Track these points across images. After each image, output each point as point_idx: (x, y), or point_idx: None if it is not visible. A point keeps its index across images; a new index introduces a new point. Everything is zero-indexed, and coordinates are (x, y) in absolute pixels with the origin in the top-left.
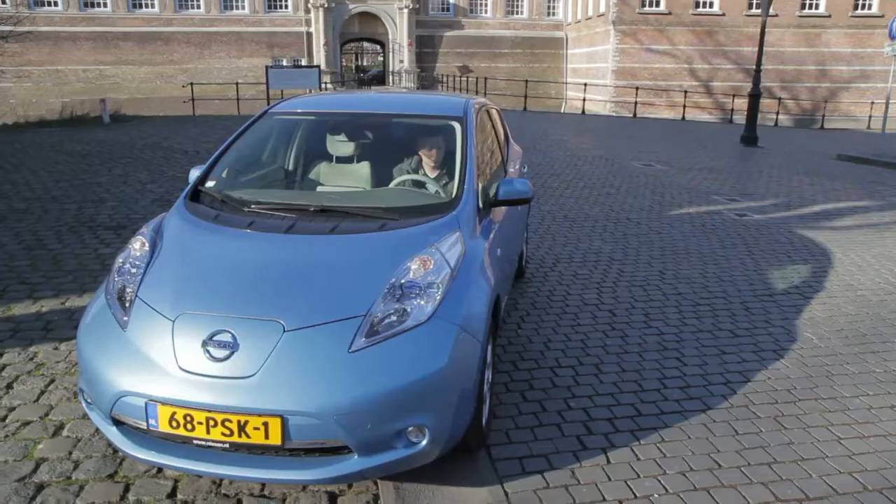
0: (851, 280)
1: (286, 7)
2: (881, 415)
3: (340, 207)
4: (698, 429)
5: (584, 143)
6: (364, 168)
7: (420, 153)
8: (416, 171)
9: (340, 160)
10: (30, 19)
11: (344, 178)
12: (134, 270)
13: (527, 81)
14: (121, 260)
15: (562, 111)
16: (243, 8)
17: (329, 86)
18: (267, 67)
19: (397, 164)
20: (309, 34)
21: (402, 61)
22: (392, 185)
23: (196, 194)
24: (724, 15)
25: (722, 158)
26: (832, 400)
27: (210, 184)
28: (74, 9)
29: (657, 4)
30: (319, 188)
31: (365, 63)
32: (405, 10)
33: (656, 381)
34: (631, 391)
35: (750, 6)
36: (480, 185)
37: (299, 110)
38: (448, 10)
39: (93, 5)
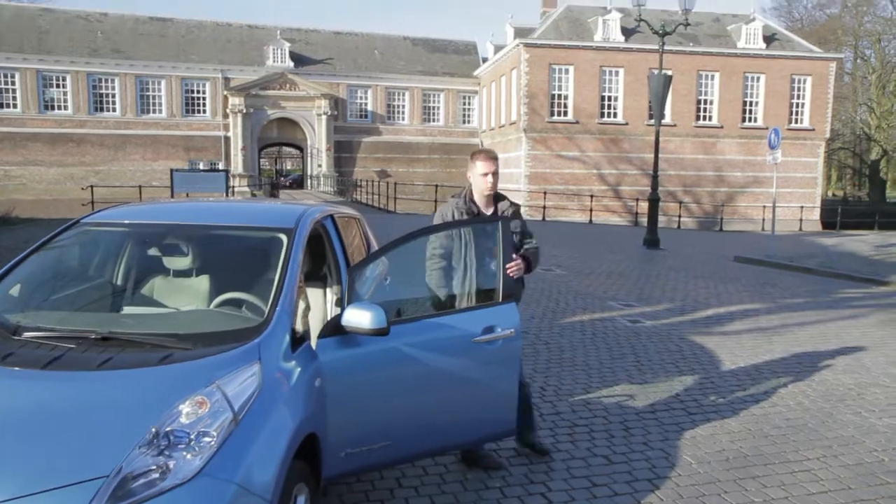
0: (738, 391)
1: (204, 112)
2: None
3: (127, 335)
4: None
5: None
6: (203, 283)
7: (244, 268)
8: (242, 288)
9: (178, 273)
10: None
11: (179, 294)
12: None
13: (437, 186)
14: None
15: None
16: (160, 112)
17: (245, 189)
18: (172, 171)
19: (228, 280)
20: (227, 138)
21: (320, 165)
22: (214, 303)
23: None
24: (627, 124)
25: (624, 262)
26: None
27: None
28: None
29: (565, 114)
30: (127, 309)
31: (287, 167)
32: (323, 117)
33: None
34: None
35: (650, 116)
36: (303, 307)
37: (115, 220)
38: (366, 116)
39: (1, 105)
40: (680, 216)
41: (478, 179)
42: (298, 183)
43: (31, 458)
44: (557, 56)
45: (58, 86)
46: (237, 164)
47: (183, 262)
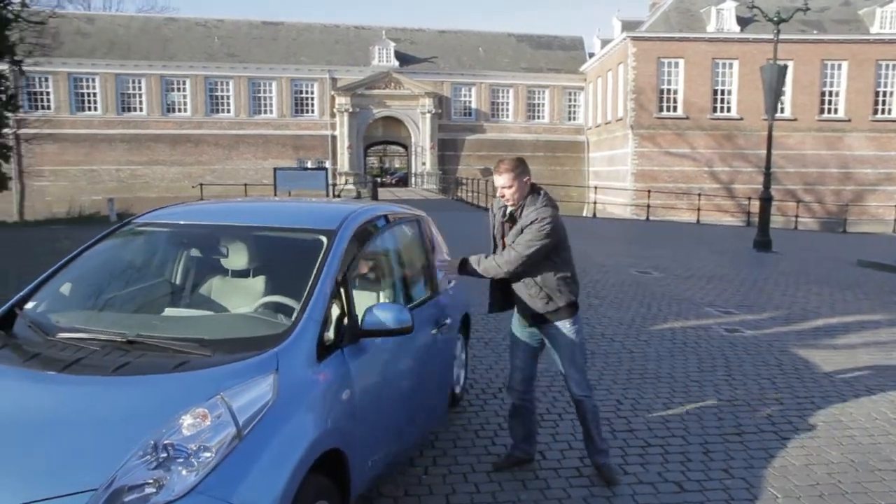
0: (842, 415)
1: (312, 112)
2: None
3: (152, 338)
4: None
5: (582, 248)
6: (245, 285)
7: (286, 271)
8: (283, 291)
9: (222, 275)
10: (70, 122)
11: (221, 296)
12: None
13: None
14: None
15: (583, 214)
16: (271, 112)
17: (351, 186)
18: (275, 169)
19: (269, 282)
20: (334, 137)
21: (424, 163)
22: (254, 307)
23: (14, 317)
24: (742, 119)
25: (728, 265)
26: None
27: (31, 305)
28: (112, 113)
29: (674, 109)
30: (168, 311)
31: (396, 165)
32: (427, 115)
33: None
34: None
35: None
36: (338, 313)
37: (163, 221)
38: (470, 114)
39: (129, 109)
40: (797, 216)
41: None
42: (403, 181)
43: (23, 466)
44: (666, 49)
45: (178, 90)
46: (343, 163)
47: (226, 264)
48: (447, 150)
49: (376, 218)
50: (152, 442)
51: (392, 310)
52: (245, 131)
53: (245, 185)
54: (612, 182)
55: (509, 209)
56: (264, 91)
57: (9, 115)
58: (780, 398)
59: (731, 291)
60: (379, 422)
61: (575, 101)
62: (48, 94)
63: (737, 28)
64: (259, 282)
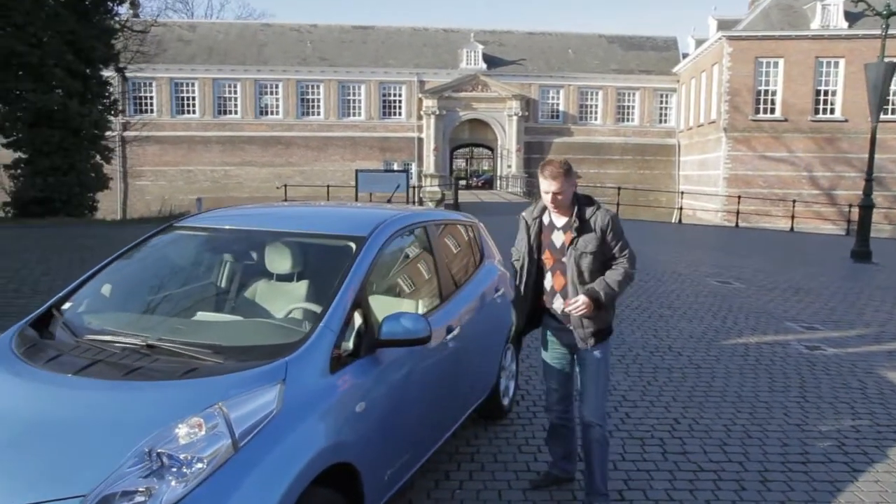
0: None
1: (399, 114)
2: None
3: (170, 343)
4: None
5: (662, 255)
6: (290, 289)
7: (316, 278)
8: (311, 299)
9: (254, 280)
10: (170, 125)
11: (252, 302)
12: None
13: (619, 189)
14: None
15: (672, 220)
16: (359, 115)
17: (436, 188)
18: (357, 171)
19: (298, 289)
20: (420, 139)
21: (510, 166)
22: (282, 314)
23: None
24: (846, 121)
25: (819, 276)
26: None
27: (70, 305)
28: (209, 115)
29: (772, 111)
30: (200, 315)
31: (484, 167)
32: (514, 118)
33: None
34: None
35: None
36: (361, 321)
37: (201, 225)
38: (557, 117)
39: (225, 112)
40: None
41: (542, 194)
42: (489, 183)
43: (17, 469)
44: (765, 48)
45: (271, 93)
46: (429, 165)
47: (259, 269)
48: (533, 152)
49: (414, 225)
50: (146, 449)
51: (409, 319)
52: (334, 133)
53: (328, 186)
54: (703, 187)
55: (554, 217)
56: (353, 94)
57: (111, 119)
58: (857, 425)
59: (817, 305)
60: (397, 435)
61: (666, 103)
62: (151, 98)
63: (844, 24)
64: (291, 287)
